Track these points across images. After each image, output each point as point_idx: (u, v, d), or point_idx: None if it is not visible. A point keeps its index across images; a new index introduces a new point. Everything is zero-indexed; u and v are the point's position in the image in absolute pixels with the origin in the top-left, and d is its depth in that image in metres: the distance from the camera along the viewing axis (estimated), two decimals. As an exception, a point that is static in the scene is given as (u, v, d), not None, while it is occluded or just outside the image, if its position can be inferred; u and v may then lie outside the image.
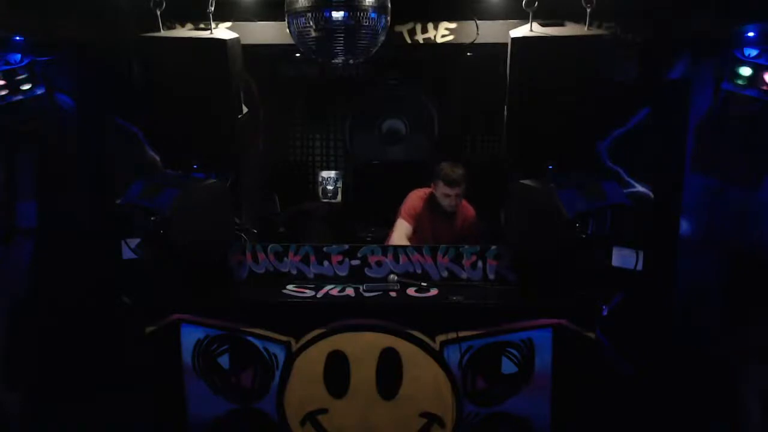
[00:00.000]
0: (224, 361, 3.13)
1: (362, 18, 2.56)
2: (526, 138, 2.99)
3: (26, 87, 3.33)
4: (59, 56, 3.44)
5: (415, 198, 3.77)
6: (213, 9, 2.93)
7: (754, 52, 3.12)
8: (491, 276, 3.31)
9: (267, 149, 4.66)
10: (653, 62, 3.26)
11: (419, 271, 3.32)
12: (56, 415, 3.44)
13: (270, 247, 3.36)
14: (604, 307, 3.07)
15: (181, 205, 2.87)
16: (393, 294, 3.15)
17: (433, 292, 3.16)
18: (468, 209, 3.82)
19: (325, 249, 3.36)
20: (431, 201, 3.73)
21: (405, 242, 3.55)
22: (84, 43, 3.30)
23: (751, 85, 3.10)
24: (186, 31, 3.17)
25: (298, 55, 3.51)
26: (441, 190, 3.64)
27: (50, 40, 3.39)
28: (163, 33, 3.03)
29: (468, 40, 3.23)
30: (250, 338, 3.10)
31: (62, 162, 3.57)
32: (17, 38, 3.30)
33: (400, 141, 4.82)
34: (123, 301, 3.29)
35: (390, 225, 3.76)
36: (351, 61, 2.73)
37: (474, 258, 3.30)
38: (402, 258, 3.31)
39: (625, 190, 3.06)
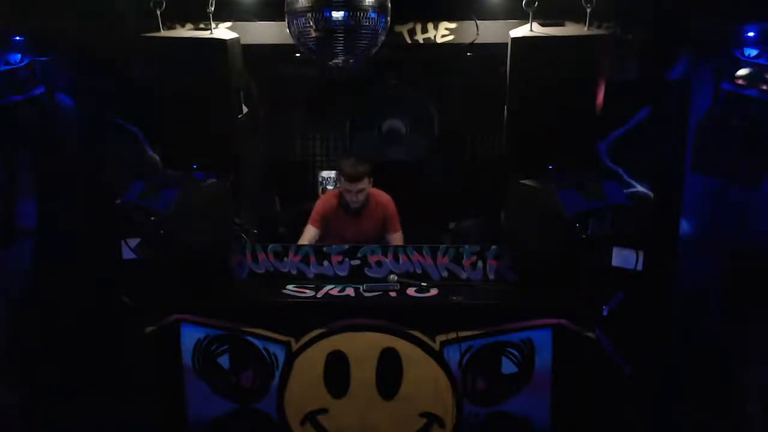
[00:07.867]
0: (224, 361, 3.12)
1: (362, 18, 2.56)
2: (526, 138, 2.99)
3: (26, 87, 3.32)
4: (59, 56, 3.45)
5: (324, 200, 3.76)
6: (213, 9, 2.93)
7: (754, 52, 3.12)
8: (491, 276, 3.30)
9: (267, 149, 4.67)
10: (653, 62, 3.27)
11: (419, 271, 3.31)
12: (56, 415, 3.44)
13: (270, 247, 3.36)
14: (604, 307, 3.07)
15: (181, 205, 2.86)
16: (393, 294, 3.14)
17: (433, 292, 3.16)
18: (380, 196, 3.74)
19: (325, 249, 3.35)
20: (342, 199, 3.68)
21: None
22: (84, 43, 3.30)
23: (751, 85, 3.11)
24: (186, 31, 3.17)
25: (298, 55, 3.50)
26: (343, 185, 3.61)
27: (50, 40, 3.39)
28: (163, 33, 3.03)
29: (468, 40, 3.24)
30: (250, 338, 3.09)
31: (62, 162, 3.58)
32: (17, 38, 3.31)
33: (400, 141, 4.81)
34: (123, 301, 3.29)
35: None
36: (351, 62, 2.73)
37: (474, 258, 3.30)
38: (402, 258, 3.31)
39: (625, 190, 3.06)
